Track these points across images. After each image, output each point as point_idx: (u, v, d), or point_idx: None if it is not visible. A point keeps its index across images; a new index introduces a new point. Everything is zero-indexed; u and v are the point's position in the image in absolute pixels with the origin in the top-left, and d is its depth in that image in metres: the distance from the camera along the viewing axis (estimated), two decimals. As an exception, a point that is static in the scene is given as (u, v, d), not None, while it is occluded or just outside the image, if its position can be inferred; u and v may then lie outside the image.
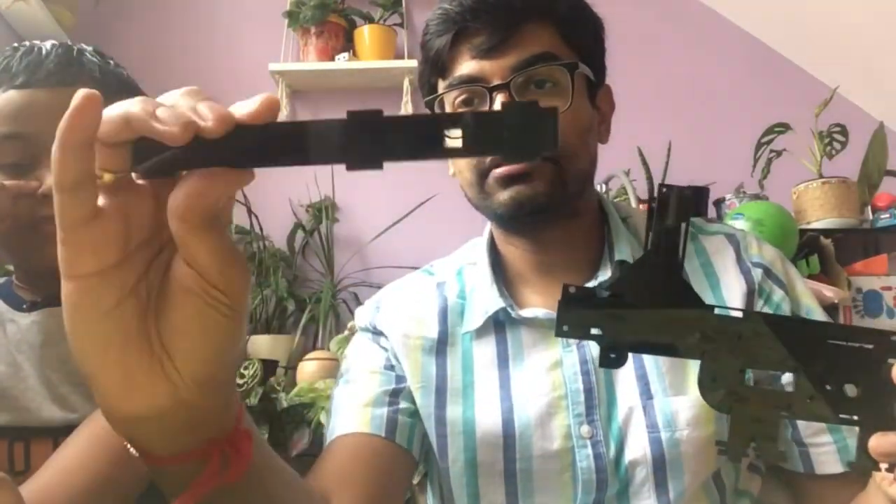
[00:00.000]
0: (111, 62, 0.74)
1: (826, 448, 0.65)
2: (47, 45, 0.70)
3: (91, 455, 0.54)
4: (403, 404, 0.71)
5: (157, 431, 0.35)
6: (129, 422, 0.33)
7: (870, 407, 0.36)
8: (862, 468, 0.38)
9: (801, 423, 0.66)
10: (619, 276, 0.37)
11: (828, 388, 0.36)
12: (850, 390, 0.36)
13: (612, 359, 0.37)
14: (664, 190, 0.37)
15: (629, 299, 0.36)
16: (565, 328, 0.37)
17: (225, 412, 0.37)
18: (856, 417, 0.37)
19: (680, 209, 0.37)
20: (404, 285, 0.82)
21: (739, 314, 0.37)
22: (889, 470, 0.37)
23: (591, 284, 0.69)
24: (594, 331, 0.37)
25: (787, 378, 0.65)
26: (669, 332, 0.36)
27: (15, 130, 0.66)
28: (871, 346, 0.37)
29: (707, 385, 0.37)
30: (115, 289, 0.31)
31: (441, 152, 0.28)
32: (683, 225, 0.37)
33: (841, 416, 0.37)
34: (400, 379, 0.73)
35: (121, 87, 0.73)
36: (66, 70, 0.68)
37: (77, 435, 0.56)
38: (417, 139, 0.28)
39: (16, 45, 0.71)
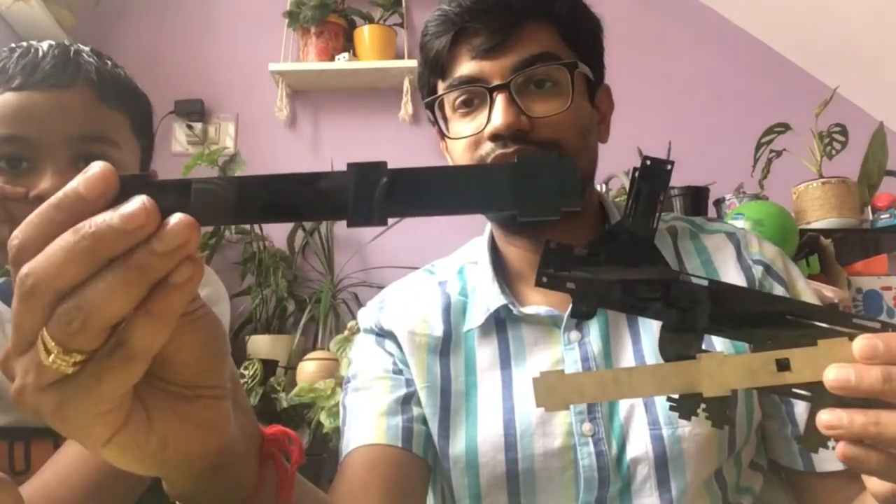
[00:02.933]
0: (109, 63, 0.74)
1: None
2: (44, 45, 0.70)
3: (92, 455, 0.54)
4: (416, 410, 0.71)
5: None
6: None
7: (822, 384, 0.37)
8: (810, 443, 0.39)
9: (799, 421, 0.66)
10: (597, 238, 0.40)
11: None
12: None
13: (582, 311, 0.39)
14: (648, 162, 0.39)
15: (604, 260, 0.39)
16: (544, 279, 0.39)
17: (236, 487, 0.38)
18: (808, 393, 0.38)
19: (658, 181, 0.39)
20: (406, 284, 0.82)
21: (705, 282, 0.39)
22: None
23: None
24: (569, 284, 0.39)
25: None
26: (637, 292, 0.39)
27: (11, 133, 0.66)
28: (829, 326, 0.38)
29: (665, 344, 0.39)
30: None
31: (450, 207, 0.28)
32: (661, 195, 0.40)
33: (794, 390, 0.38)
34: (409, 382, 0.73)
35: (118, 88, 0.72)
36: (62, 72, 0.68)
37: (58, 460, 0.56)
38: (426, 193, 0.28)
39: (13, 45, 0.70)
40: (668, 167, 0.39)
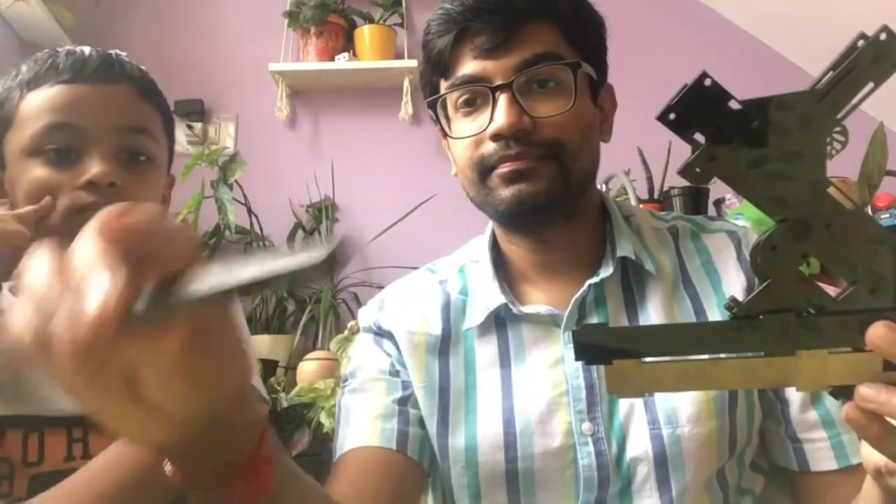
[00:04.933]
0: (142, 69, 0.79)
1: (820, 444, 0.65)
2: (87, 49, 0.75)
3: (102, 480, 0.55)
4: (412, 413, 0.71)
5: (178, 454, 0.38)
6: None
7: None
8: (838, 393, 0.38)
9: (794, 419, 0.66)
10: (758, 99, 0.32)
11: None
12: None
13: (694, 171, 0.32)
14: (883, 36, 0.30)
15: (758, 127, 0.32)
16: (671, 116, 0.33)
17: (233, 441, 0.39)
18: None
19: (881, 65, 0.30)
20: (407, 283, 0.82)
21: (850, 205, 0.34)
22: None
23: (592, 281, 0.69)
24: (698, 135, 0.32)
25: None
26: (773, 181, 0.32)
27: (63, 120, 0.69)
28: None
29: (762, 249, 0.35)
30: None
31: None
32: (871, 85, 0.30)
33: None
34: (406, 385, 0.73)
35: (154, 89, 0.78)
36: (109, 69, 0.73)
37: (90, 463, 0.57)
38: None
39: (57, 48, 0.75)
40: None
